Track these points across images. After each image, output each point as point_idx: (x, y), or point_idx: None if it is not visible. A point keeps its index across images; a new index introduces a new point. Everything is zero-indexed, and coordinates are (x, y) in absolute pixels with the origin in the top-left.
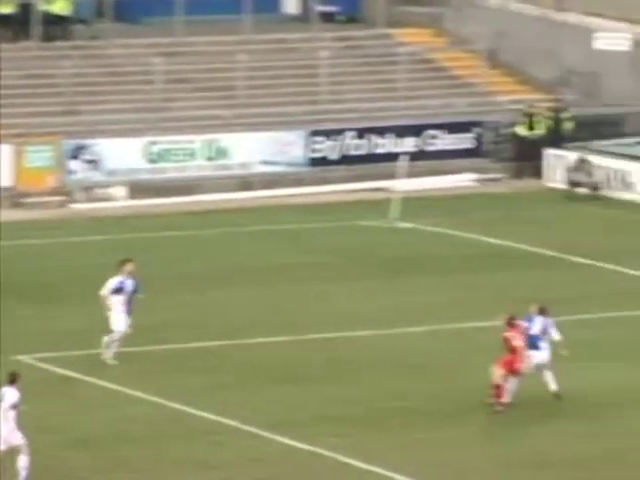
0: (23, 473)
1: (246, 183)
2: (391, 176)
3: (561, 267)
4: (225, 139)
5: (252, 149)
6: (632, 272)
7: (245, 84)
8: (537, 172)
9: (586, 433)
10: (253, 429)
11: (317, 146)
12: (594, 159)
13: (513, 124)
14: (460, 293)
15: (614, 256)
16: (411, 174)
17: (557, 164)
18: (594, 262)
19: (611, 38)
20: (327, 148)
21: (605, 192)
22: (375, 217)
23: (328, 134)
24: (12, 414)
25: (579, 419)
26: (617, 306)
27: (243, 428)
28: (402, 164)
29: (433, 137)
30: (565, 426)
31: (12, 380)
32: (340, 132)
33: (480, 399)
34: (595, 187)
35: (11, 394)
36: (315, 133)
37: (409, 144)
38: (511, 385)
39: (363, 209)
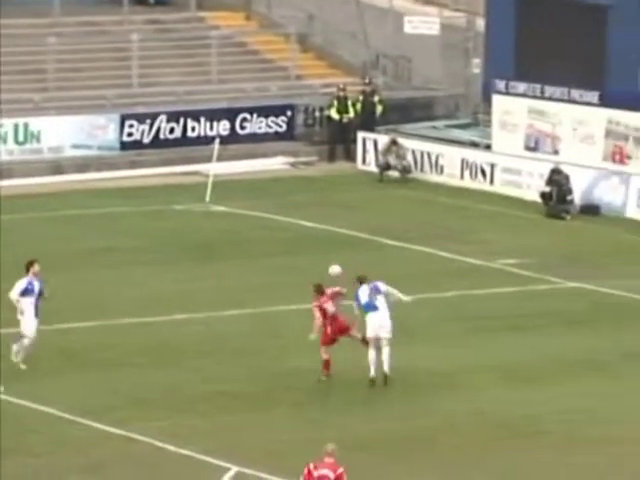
0: None
1: (57, 167)
2: (205, 159)
3: (373, 249)
4: (35, 122)
5: (63, 133)
6: (442, 254)
7: (55, 67)
8: (350, 155)
9: (400, 414)
10: (68, 415)
11: (129, 130)
12: (405, 142)
13: (325, 107)
14: (276, 276)
15: (424, 238)
16: (224, 157)
17: (369, 147)
18: (405, 244)
19: (421, 22)
20: (139, 132)
21: (416, 175)
22: (188, 201)
23: (140, 118)
24: None
25: (393, 400)
26: (427, 287)
27: (58, 414)
28: (215, 147)
29: (246, 120)
30: (380, 407)
31: None
32: (153, 116)
33: (297, 382)
34: (406, 170)
35: None
36: (127, 117)
37: (222, 127)
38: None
39: (176, 193)
